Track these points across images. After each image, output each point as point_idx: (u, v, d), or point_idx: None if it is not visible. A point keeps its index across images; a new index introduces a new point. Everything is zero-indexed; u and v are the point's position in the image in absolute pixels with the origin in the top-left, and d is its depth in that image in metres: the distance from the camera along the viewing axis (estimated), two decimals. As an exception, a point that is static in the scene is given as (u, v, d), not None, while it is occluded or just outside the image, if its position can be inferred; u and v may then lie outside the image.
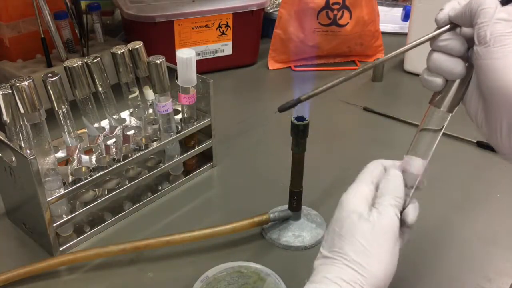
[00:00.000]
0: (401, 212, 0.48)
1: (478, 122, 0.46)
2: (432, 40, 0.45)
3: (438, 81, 0.46)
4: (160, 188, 0.72)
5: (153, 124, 0.71)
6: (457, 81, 0.46)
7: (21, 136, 0.58)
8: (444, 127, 0.49)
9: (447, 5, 0.45)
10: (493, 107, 0.42)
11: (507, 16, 0.40)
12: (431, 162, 0.80)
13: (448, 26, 0.44)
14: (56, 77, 0.59)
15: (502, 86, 0.40)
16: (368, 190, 0.48)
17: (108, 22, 1.16)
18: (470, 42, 0.44)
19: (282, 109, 0.46)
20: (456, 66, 0.44)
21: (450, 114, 0.48)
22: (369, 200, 0.47)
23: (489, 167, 0.78)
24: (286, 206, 0.65)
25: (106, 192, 0.66)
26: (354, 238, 0.44)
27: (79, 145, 0.64)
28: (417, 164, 0.49)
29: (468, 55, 0.45)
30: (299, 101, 0.46)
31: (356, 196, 0.47)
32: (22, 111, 0.56)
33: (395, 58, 1.11)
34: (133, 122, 0.72)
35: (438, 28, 0.45)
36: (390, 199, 0.47)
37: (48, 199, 0.57)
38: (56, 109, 0.61)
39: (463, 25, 0.44)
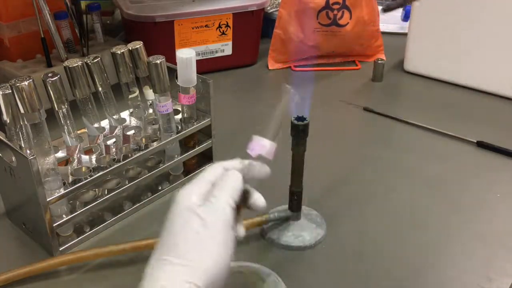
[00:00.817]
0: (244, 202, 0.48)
1: None
2: None
3: None
4: (160, 188, 0.71)
5: (153, 124, 0.71)
6: None
7: (21, 136, 0.58)
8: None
9: None
10: None
11: None
12: (431, 162, 0.81)
13: None
14: (56, 77, 0.59)
15: None
16: (204, 187, 0.46)
17: (108, 22, 1.16)
18: None
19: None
20: None
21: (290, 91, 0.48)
22: (204, 196, 0.46)
23: (489, 167, 0.78)
24: (286, 206, 0.65)
25: (106, 192, 0.66)
26: (185, 235, 0.43)
27: (79, 145, 0.64)
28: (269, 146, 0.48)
29: None
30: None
31: (190, 193, 0.45)
32: (22, 111, 0.56)
33: (396, 58, 1.12)
34: (133, 122, 0.72)
35: None
36: (225, 192, 0.45)
37: (48, 199, 0.57)
38: (56, 109, 0.61)
39: None
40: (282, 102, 0.48)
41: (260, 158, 0.47)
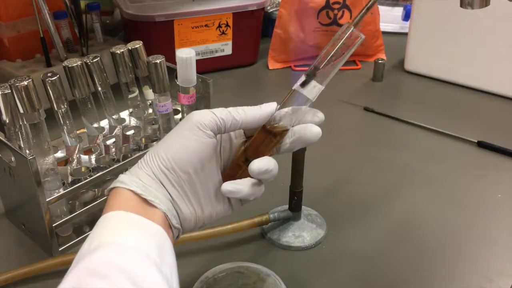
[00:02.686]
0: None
1: None
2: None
3: None
4: (160, 188, 0.71)
5: (153, 124, 0.71)
6: None
7: (20, 136, 0.58)
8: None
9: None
10: None
11: None
12: (432, 162, 0.81)
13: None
14: (56, 77, 0.59)
15: None
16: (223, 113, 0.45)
17: (107, 21, 1.16)
18: None
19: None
20: None
21: (362, 38, 0.43)
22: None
23: (490, 167, 0.78)
24: (286, 206, 0.64)
25: (105, 192, 0.65)
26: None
27: (78, 145, 0.64)
28: (316, 88, 0.44)
29: None
30: None
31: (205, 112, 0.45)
32: (21, 111, 0.56)
33: (396, 58, 1.12)
34: (133, 122, 0.71)
35: None
36: (220, 109, 0.45)
37: (47, 199, 0.57)
38: (56, 109, 0.61)
39: None
40: (342, 43, 0.42)
41: (302, 99, 0.44)
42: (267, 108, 0.45)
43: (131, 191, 0.41)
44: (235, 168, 0.46)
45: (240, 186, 0.44)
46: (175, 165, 0.42)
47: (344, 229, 0.65)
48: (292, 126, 0.44)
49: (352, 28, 0.42)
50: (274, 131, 0.44)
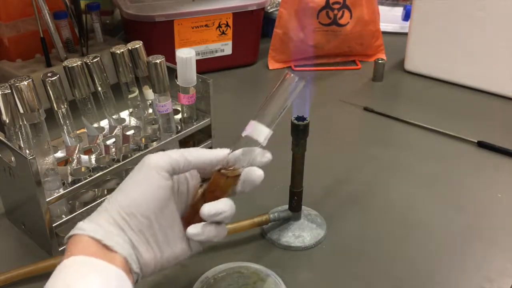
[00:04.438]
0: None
1: None
2: None
3: None
4: (160, 188, 0.71)
5: (153, 124, 0.71)
6: None
7: (20, 136, 0.58)
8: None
9: None
10: None
11: None
12: (432, 162, 0.81)
13: None
14: (56, 77, 0.59)
15: None
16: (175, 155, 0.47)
17: (107, 21, 1.16)
18: None
19: None
20: None
21: (302, 85, 0.46)
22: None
23: (490, 167, 0.78)
24: (286, 206, 0.64)
25: (105, 192, 0.65)
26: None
27: (78, 145, 0.64)
28: (263, 132, 0.46)
29: None
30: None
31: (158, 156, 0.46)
32: (21, 111, 0.56)
33: (396, 58, 1.11)
34: (133, 122, 0.71)
35: None
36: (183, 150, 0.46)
37: (47, 199, 0.57)
38: (56, 109, 0.61)
39: None
40: (283, 88, 0.46)
41: (257, 144, 0.46)
42: (220, 152, 0.47)
43: (91, 237, 0.42)
44: (194, 211, 0.47)
45: (204, 229, 0.45)
46: (135, 210, 0.43)
47: (344, 229, 0.65)
48: (244, 168, 0.46)
49: (293, 77, 0.45)
50: (228, 174, 0.46)
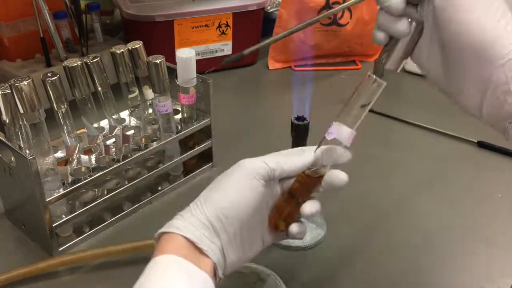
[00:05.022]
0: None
1: (438, 80, 0.44)
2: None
3: (381, 36, 0.47)
4: (159, 188, 0.71)
5: (153, 124, 0.71)
6: (403, 39, 0.45)
7: (20, 136, 0.58)
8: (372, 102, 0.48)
9: None
10: (458, 62, 0.40)
11: None
12: (432, 162, 0.81)
13: None
14: (56, 77, 0.59)
15: (469, 41, 0.38)
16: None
17: (107, 21, 1.16)
18: None
19: (226, 62, 0.51)
20: (400, 25, 0.44)
21: (384, 85, 0.46)
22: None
23: (490, 167, 0.78)
24: (286, 206, 0.64)
25: (105, 192, 0.65)
26: (215, 180, 0.46)
27: (78, 145, 0.64)
28: (346, 133, 0.46)
29: (416, 11, 0.43)
30: (241, 56, 0.51)
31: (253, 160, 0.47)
32: (21, 111, 0.56)
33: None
34: (133, 122, 0.71)
35: None
36: (270, 157, 0.46)
37: (47, 199, 0.57)
38: (56, 109, 0.61)
39: None
40: (366, 89, 0.47)
41: (338, 144, 0.47)
42: (308, 157, 0.47)
43: (184, 237, 0.42)
44: (277, 211, 0.47)
45: (302, 227, 0.47)
46: (233, 213, 0.43)
47: (344, 229, 0.65)
48: (327, 167, 0.47)
49: (373, 77, 0.46)
50: (312, 175, 0.47)
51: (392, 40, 0.47)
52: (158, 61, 0.65)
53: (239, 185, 0.44)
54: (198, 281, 0.40)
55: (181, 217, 0.44)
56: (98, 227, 0.65)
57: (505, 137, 0.41)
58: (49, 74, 0.59)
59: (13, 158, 0.56)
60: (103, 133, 0.68)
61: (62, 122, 0.62)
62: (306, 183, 0.47)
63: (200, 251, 0.42)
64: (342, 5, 0.59)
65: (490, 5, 0.38)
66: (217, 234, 0.43)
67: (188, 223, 0.43)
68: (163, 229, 0.43)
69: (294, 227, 0.47)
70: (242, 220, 0.44)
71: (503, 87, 0.38)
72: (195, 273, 0.40)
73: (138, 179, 0.67)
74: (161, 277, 0.39)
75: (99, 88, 0.66)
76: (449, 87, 0.43)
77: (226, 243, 0.43)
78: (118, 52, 0.66)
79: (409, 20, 0.44)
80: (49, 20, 0.83)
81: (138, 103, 0.71)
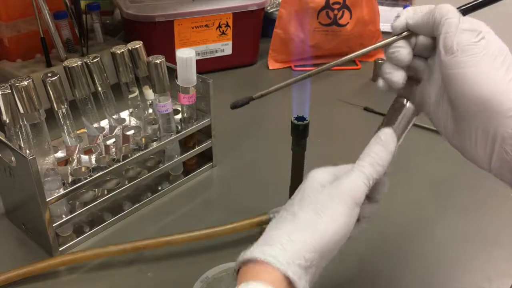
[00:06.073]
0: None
1: (448, 135, 0.45)
2: (387, 46, 0.45)
3: (380, 83, 0.47)
4: (160, 188, 0.71)
5: (153, 124, 0.71)
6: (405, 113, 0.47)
7: (20, 136, 0.58)
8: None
9: (404, 12, 0.46)
10: (466, 117, 0.41)
11: (471, 26, 0.42)
12: (432, 162, 0.80)
13: (405, 33, 0.44)
14: (56, 77, 0.59)
15: (475, 96, 0.40)
16: (338, 168, 0.47)
17: (107, 21, 1.16)
18: (426, 51, 0.44)
19: (234, 107, 0.49)
20: (395, 75, 0.45)
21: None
22: (337, 174, 0.46)
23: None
24: (286, 206, 0.64)
25: (105, 192, 0.65)
26: (309, 200, 0.43)
27: (78, 145, 0.64)
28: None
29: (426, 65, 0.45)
30: (250, 99, 0.47)
31: (323, 170, 0.46)
32: (21, 111, 0.56)
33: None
34: (133, 122, 0.71)
35: (394, 35, 0.45)
36: (365, 164, 0.45)
37: (47, 199, 0.57)
38: (56, 109, 0.61)
39: (422, 34, 0.44)
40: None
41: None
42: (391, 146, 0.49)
43: (279, 269, 0.39)
44: None
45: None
46: (326, 249, 0.41)
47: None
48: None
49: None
50: None
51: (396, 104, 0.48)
52: (158, 61, 0.65)
53: (339, 214, 0.41)
54: None
55: (280, 245, 0.40)
56: (98, 227, 0.65)
57: None
58: (49, 74, 0.59)
59: (13, 158, 0.56)
60: (103, 133, 0.68)
61: (62, 122, 0.62)
62: None
63: (291, 285, 0.39)
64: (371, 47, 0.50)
65: (493, 60, 0.40)
66: (307, 272, 0.40)
67: (289, 257, 0.39)
68: (259, 256, 0.40)
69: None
70: (334, 250, 0.42)
71: (510, 141, 0.39)
72: None
73: (138, 179, 0.67)
74: None
75: (99, 88, 0.66)
76: (459, 142, 0.44)
77: (310, 276, 0.41)
78: (118, 52, 0.66)
79: (413, 79, 0.45)
80: (49, 20, 0.83)
81: (138, 103, 0.71)
